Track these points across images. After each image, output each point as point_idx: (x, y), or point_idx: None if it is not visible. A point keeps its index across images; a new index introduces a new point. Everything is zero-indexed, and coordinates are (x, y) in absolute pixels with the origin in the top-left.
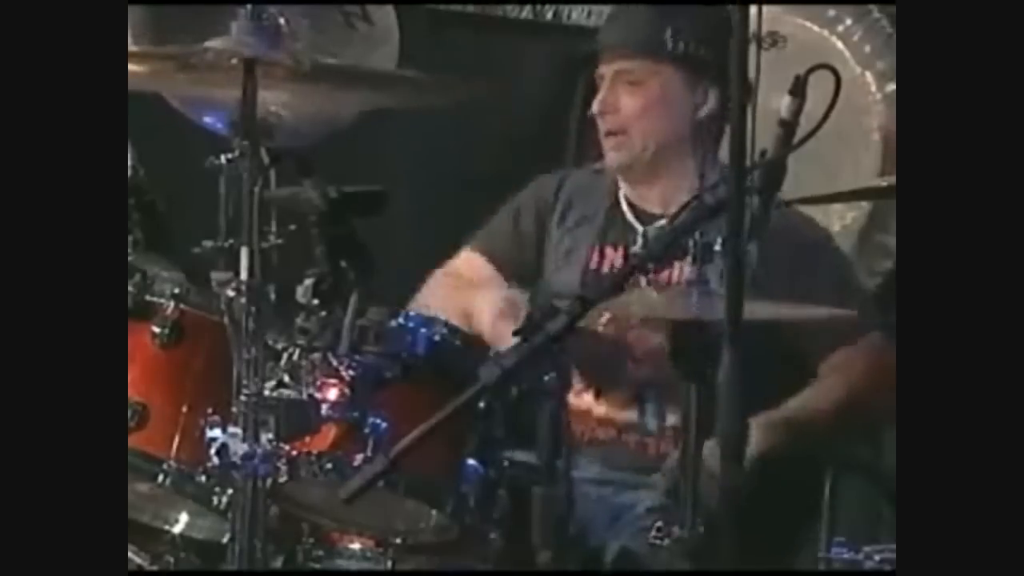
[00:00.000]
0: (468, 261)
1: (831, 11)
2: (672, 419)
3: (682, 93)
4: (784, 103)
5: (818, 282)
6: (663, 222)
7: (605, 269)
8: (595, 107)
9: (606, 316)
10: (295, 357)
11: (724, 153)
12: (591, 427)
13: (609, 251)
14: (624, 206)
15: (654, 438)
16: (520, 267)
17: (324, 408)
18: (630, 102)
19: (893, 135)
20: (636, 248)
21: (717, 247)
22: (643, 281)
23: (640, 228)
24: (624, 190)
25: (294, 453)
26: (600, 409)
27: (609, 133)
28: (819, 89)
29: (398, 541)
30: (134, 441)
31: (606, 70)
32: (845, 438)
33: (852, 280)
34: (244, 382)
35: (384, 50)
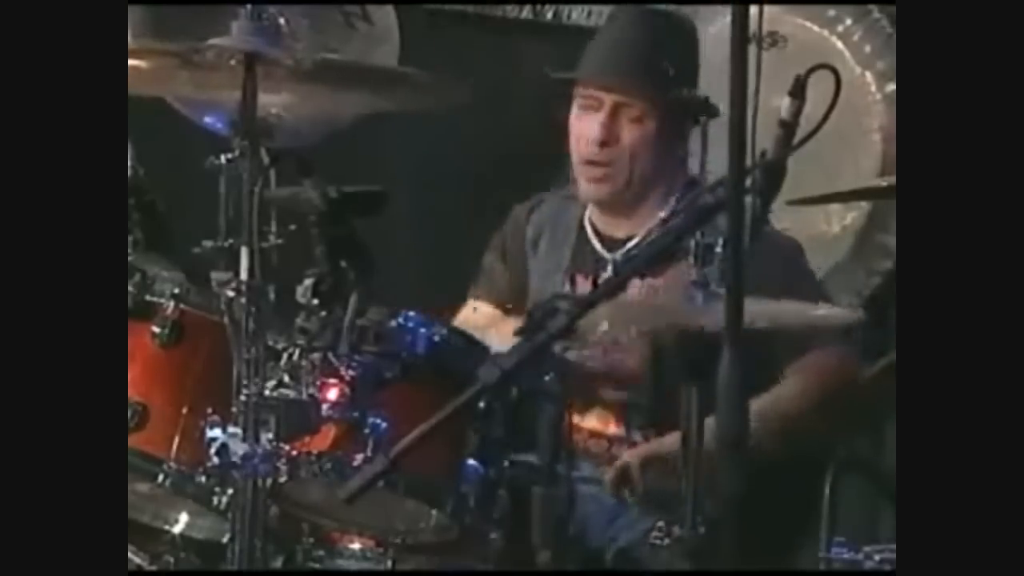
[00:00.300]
0: (478, 310)
1: (831, 11)
2: (665, 424)
3: (673, 132)
4: (784, 103)
5: (790, 291)
6: (632, 243)
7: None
8: (596, 133)
9: (604, 325)
10: (295, 357)
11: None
12: (583, 438)
13: (580, 279)
14: (590, 233)
15: (643, 448)
16: (508, 292)
17: (324, 408)
18: (630, 137)
19: (893, 135)
20: (607, 275)
21: (718, 248)
22: (636, 285)
23: (608, 256)
24: (591, 216)
25: (294, 453)
26: (588, 423)
27: (594, 163)
28: (819, 89)
29: (398, 541)
30: (134, 441)
31: (605, 98)
32: (804, 440)
33: (821, 292)
34: (244, 382)
35: (384, 50)
